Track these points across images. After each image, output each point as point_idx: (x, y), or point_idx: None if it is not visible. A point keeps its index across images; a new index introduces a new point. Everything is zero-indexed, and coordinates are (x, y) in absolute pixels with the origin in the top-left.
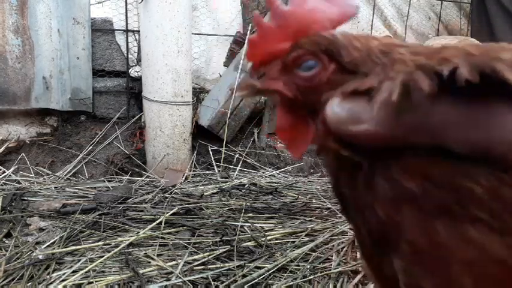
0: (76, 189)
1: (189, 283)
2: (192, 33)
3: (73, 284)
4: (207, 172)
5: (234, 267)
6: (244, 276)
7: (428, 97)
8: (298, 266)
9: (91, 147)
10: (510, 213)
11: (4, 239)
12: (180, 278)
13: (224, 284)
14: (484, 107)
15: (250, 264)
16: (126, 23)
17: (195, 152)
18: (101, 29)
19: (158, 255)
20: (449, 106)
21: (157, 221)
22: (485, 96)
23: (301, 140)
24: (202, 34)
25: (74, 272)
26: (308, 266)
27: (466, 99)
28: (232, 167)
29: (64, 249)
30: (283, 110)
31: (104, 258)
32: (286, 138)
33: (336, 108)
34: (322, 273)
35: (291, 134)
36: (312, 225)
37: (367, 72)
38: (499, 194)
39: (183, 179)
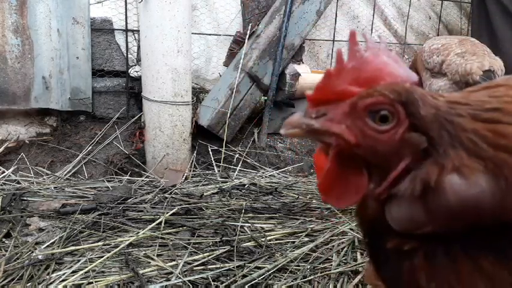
0: (76, 189)
1: (189, 283)
2: (192, 33)
3: (73, 284)
4: (207, 172)
5: (234, 267)
6: (244, 276)
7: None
8: (298, 266)
9: (90, 147)
10: None
11: (4, 239)
12: (180, 278)
13: (224, 284)
14: None
15: (250, 265)
16: (126, 23)
17: (195, 152)
18: (100, 29)
19: (158, 255)
20: None
21: (157, 221)
22: None
23: (350, 192)
24: (202, 34)
25: (74, 272)
26: (308, 267)
27: None
28: (232, 167)
29: (64, 250)
30: (337, 157)
31: (103, 258)
32: (334, 189)
33: (396, 220)
34: (322, 274)
35: (340, 184)
36: (312, 226)
37: (433, 136)
38: None
39: (183, 179)
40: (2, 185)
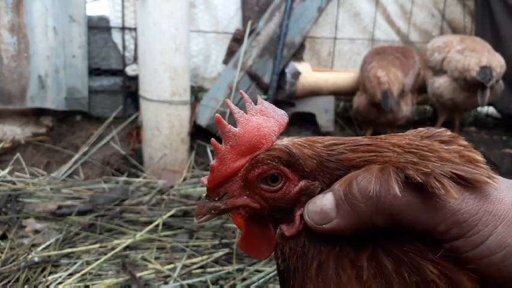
0: (72, 190)
1: (188, 287)
2: (190, 31)
3: (69, 287)
4: (206, 173)
5: (233, 270)
6: (243, 279)
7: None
8: None
9: (87, 147)
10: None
11: None
12: (178, 281)
13: (223, 287)
14: (426, 192)
15: (249, 268)
16: (123, 21)
17: (193, 152)
18: (97, 27)
19: (156, 258)
20: (403, 194)
21: (155, 223)
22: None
23: (266, 245)
24: (200, 31)
25: (70, 274)
26: None
27: (411, 188)
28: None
29: (60, 252)
30: (248, 222)
31: (100, 261)
32: (252, 246)
33: (309, 214)
34: None
35: (257, 242)
36: None
37: (320, 177)
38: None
39: (181, 180)
40: None
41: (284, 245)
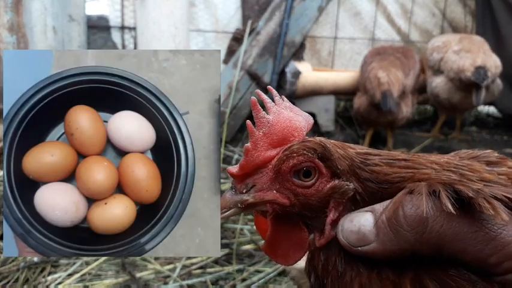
0: None
1: (187, 287)
2: (190, 30)
3: None
4: None
5: (233, 270)
6: (243, 280)
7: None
8: None
9: None
10: None
11: None
12: (178, 281)
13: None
14: (474, 221)
15: (250, 268)
16: (122, 20)
17: None
18: (96, 26)
19: (155, 258)
20: (448, 221)
21: None
22: (471, 211)
23: (294, 248)
24: (200, 31)
25: (70, 275)
26: None
27: (459, 215)
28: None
29: None
30: (275, 220)
31: (99, 261)
32: (279, 250)
33: (345, 233)
34: None
35: (284, 245)
36: None
37: (352, 181)
38: None
39: None
40: None
41: (314, 255)
